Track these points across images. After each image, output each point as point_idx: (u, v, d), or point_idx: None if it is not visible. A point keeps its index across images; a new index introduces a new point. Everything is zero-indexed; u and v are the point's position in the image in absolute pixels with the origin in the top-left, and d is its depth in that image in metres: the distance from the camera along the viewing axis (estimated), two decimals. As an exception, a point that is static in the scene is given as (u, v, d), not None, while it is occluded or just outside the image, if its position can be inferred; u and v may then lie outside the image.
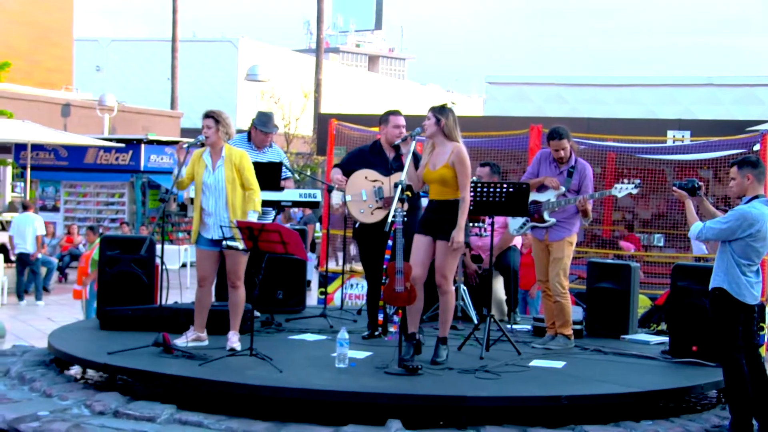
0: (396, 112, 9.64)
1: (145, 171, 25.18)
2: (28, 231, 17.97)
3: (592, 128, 16.13)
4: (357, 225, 9.80)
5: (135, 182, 25.39)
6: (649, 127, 18.22)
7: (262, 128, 10.44)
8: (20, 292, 17.87)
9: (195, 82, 51.34)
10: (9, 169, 33.59)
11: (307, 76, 44.58)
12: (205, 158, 8.86)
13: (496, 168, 11.17)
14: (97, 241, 14.10)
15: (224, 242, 8.69)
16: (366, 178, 9.51)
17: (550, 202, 9.50)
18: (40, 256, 18.37)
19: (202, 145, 8.91)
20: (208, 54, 54.99)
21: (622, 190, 9.51)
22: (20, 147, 24.73)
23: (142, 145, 25.22)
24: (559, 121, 9.83)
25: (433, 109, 8.48)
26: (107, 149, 25.32)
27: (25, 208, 19.23)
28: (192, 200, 9.04)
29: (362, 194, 9.51)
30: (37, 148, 24.80)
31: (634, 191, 9.49)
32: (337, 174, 9.69)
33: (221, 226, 8.62)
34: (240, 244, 8.60)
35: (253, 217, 8.79)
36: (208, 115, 8.91)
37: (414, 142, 8.61)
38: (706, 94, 29.22)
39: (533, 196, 9.58)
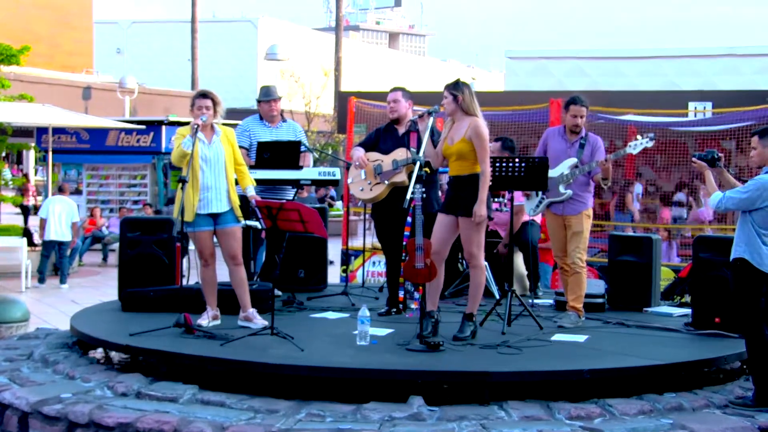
0: (393, 89, 9.82)
1: (167, 152, 25.13)
2: (63, 216, 17.89)
3: (613, 101, 16.00)
4: (373, 204, 9.86)
5: (156, 164, 25.44)
6: (671, 99, 18.08)
7: (263, 98, 10.56)
8: (43, 274, 17.92)
9: (215, 62, 51.41)
10: (32, 153, 33.73)
11: (327, 54, 44.58)
12: (198, 134, 8.77)
13: (508, 143, 11.08)
14: None
15: (243, 222, 8.72)
16: (368, 160, 9.62)
17: (564, 175, 9.44)
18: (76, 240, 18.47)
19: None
20: (228, 34, 55.08)
21: (637, 146, 9.40)
22: (42, 131, 24.79)
23: (163, 127, 25.25)
24: (579, 94, 9.75)
25: (448, 87, 8.47)
26: (128, 131, 25.36)
27: (60, 190, 19.21)
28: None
29: (361, 174, 9.67)
30: (59, 131, 24.88)
31: (649, 144, 9.38)
32: (357, 152, 9.72)
33: (251, 208, 8.71)
34: (258, 224, 8.61)
35: (253, 191, 8.97)
36: (205, 95, 8.88)
37: (432, 119, 8.58)
38: (727, 64, 28.91)
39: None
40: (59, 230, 17.78)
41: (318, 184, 10.87)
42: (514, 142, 11.24)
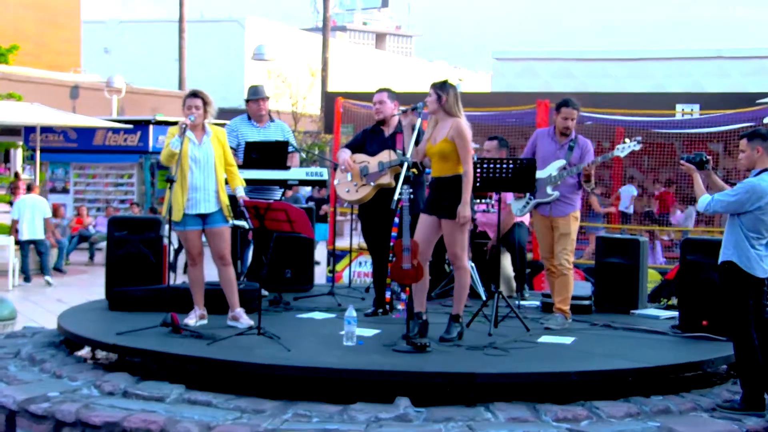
0: (379, 90, 9.82)
1: (154, 152, 25.09)
2: (36, 215, 17.86)
3: (600, 103, 16.04)
4: (360, 204, 9.87)
5: (144, 163, 25.39)
6: (658, 101, 18.14)
7: (251, 97, 10.54)
8: (27, 273, 17.88)
9: (203, 62, 51.27)
10: (19, 152, 33.60)
11: (314, 54, 44.50)
12: (188, 133, 8.77)
13: (504, 142, 11.11)
14: None
15: (231, 221, 8.72)
16: (354, 161, 9.63)
17: (552, 177, 9.44)
18: (53, 239, 18.39)
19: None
20: (215, 34, 54.93)
21: (625, 149, 9.40)
22: (29, 130, 24.70)
23: (151, 126, 25.19)
24: (566, 95, 9.76)
25: (435, 86, 8.46)
26: (116, 131, 25.29)
27: (29, 189, 19.16)
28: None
29: (347, 175, 9.68)
30: (46, 130, 24.80)
31: (637, 147, 9.38)
32: (343, 154, 9.70)
33: (239, 208, 8.67)
34: (246, 224, 8.60)
35: (242, 192, 8.93)
36: (196, 95, 8.85)
37: (420, 119, 8.58)
38: (716, 66, 29.01)
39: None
40: (32, 229, 17.78)
41: (305, 184, 10.88)
42: (507, 142, 11.26)
